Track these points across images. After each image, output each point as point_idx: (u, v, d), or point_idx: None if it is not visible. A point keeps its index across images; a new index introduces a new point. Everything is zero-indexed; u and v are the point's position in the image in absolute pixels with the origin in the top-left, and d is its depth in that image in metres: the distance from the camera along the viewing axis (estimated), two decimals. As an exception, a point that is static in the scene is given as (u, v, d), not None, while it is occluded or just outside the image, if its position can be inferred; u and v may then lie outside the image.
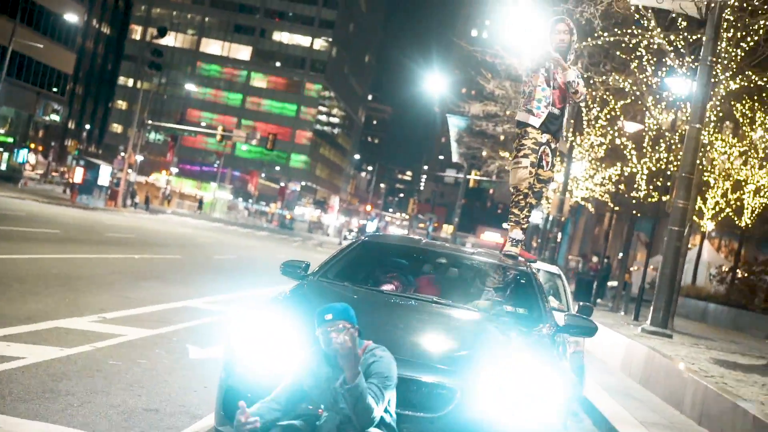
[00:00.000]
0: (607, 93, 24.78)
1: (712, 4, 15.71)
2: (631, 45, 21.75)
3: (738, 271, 37.13)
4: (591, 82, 24.56)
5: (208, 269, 22.33)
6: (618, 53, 22.87)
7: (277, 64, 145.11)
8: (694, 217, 23.86)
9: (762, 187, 25.52)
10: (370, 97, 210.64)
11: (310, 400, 5.38)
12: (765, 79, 19.53)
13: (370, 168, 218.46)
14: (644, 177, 27.30)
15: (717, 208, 25.60)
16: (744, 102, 22.64)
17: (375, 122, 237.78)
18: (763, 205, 26.37)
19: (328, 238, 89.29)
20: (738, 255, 39.37)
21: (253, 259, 30.48)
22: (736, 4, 16.07)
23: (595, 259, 59.72)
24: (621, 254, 50.69)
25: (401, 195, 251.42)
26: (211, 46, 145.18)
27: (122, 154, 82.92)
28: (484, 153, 48.34)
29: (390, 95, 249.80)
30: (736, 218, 27.42)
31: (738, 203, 26.18)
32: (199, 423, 6.79)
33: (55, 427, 5.92)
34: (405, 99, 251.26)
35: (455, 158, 53.70)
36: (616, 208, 36.26)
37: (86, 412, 6.44)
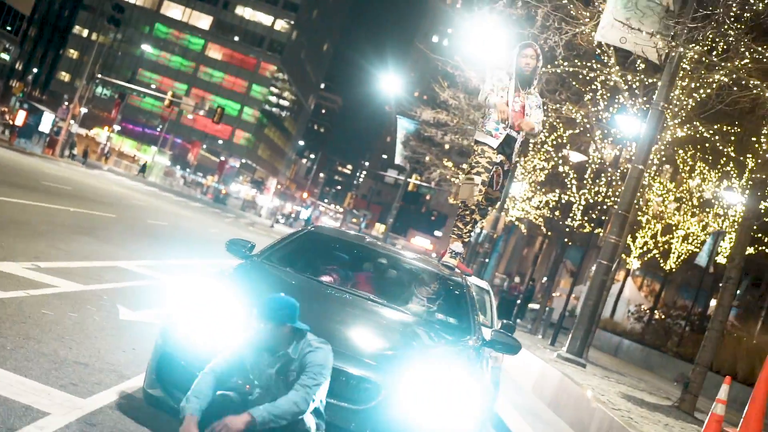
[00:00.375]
0: (558, 120, 25.24)
1: (672, 54, 16.19)
2: (587, 78, 22.20)
3: (656, 312, 37.98)
4: (545, 107, 24.97)
5: (141, 232, 22.30)
6: (574, 83, 23.31)
7: (236, 38, 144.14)
8: (622, 254, 24.41)
9: (691, 235, 26.17)
10: (322, 86, 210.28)
11: (245, 377, 5.58)
12: (711, 132, 20.10)
13: (312, 156, 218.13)
14: (581, 207, 27.83)
15: (645, 248, 26.22)
16: (686, 150, 23.22)
17: (324, 111, 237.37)
18: (690, 252, 27.03)
19: (260, 219, 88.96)
20: (658, 297, 40.23)
21: (186, 230, 30.41)
22: (695, 57, 16.55)
23: (517, 279, 60.50)
24: (545, 279, 51.42)
25: (338, 187, 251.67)
26: (172, 10, 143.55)
27: (66, 103, 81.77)
28: (427, 158, 48.65)
29: (342, 87, 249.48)
30: (661, 260, 28.08)
31: (666, 246, 26.82)
32: (127, 382, 6.93)
33: (-12, 367, 6.05)
34: (356, 93, 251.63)
35: (398, 160, 53.93)
36: (548, 233, 36.85)
37: (19, 357, 6.55)
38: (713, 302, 40.43)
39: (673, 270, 28.90)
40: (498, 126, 8.95)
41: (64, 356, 7.03)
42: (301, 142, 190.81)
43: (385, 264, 8.37)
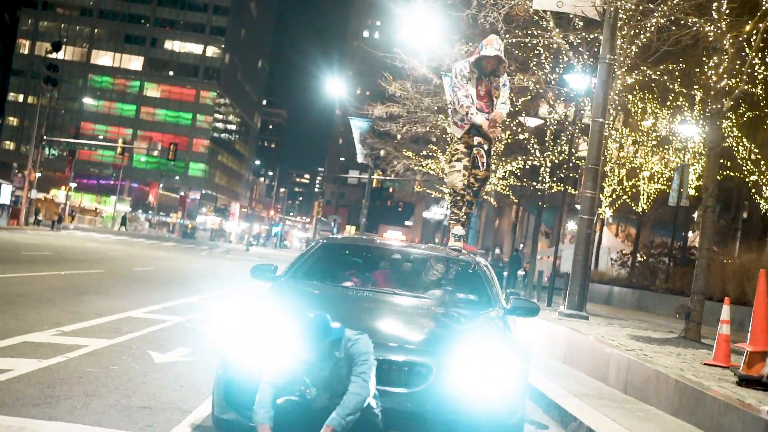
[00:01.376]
0: (510, 92, 25.85)
1: (611, 8, 16.85)
2: (530, 44, 22.81)
3: (638, 254, 38.81)
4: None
5: (133, 281, 22.67)
6: (518, 53, 23.91)
7: (171, 72, 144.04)
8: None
9: (656, 174, 26.90)
10: (264, 102, 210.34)
11: (301, 381, 6.13)
12: (658, 73, 20.80)
13: (270, 173, 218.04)
14: (548, 170, 28.50)
15: (614, 196, 26.92)
16: (635, 93, 23.92)
17: (271, 127, 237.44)
18: (658, 190, 27.75)
19: (232, 245, 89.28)
20: (637, 239, 41.06)
21: (171, 270, 30.77)
22: (631, 6, 17.21)
23: (497, 251, 61.25)
24: (522, 245, 52.17)
25: (300, 198, 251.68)
26: (103, 58, 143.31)
27: (17, 171, 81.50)
28: (382, 153, 49.06)
29: (284, 99, 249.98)
30: (632, 204, 28.79)
31: (633, 190, 27.53)
32: (192, 415, 7.44)
33: (74, 426, 6.53)
34: (298, 102, 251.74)
35: (360, 159, 54.30)
36: (516, 201, 37.49)
37: (91, 412, 7.05)
38: (690, 234, 41.40)
39: (645, 211, 29.61)
40: (464, 117, 9.57)
41: (127, 404, 7.54)
42: (258, 162, 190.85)
43: (399, 259, 8.94)
